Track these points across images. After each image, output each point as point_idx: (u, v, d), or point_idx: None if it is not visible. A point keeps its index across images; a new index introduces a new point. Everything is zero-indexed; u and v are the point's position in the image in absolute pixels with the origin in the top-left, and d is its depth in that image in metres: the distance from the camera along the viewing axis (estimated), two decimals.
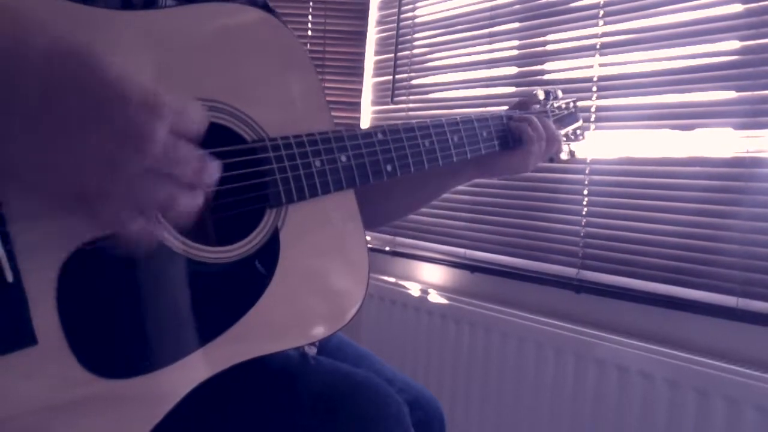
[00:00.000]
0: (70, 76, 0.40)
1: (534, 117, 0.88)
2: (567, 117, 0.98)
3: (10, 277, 0.44)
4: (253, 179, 0.60)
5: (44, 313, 0.46)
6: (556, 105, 0.97)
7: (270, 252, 0.60)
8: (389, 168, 0.71)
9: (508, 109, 0.93)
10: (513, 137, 0.87)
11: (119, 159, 0.41)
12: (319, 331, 0.63)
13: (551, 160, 0.96)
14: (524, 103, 0.95)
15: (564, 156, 0.98)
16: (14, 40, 0.40)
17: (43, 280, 0.46)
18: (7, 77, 0.40)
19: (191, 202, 0.44)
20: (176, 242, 0.54)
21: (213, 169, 0.45)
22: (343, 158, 0.66)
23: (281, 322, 0.60)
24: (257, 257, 0.59)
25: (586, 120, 1.46)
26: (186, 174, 0.43)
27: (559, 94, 0.99)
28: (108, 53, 0.42)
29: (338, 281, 0.65)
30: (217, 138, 0.59)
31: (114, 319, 0.50)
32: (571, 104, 1.00)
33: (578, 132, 1.01)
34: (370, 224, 0.76)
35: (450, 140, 0.79)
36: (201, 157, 0.44)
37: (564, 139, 0.96)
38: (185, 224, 0.46)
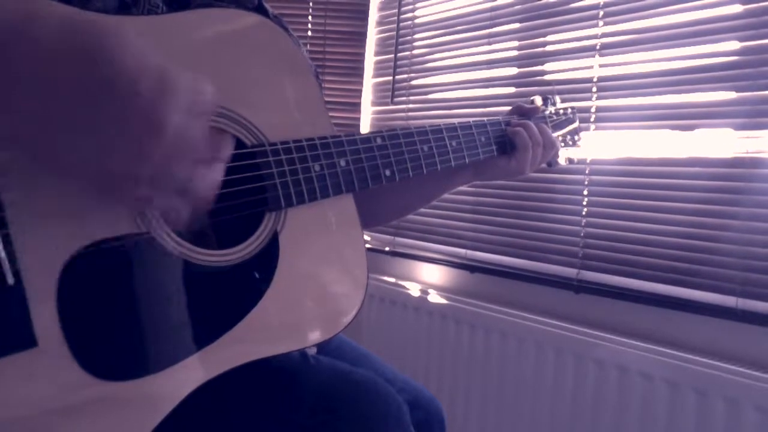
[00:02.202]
0: (82, 58, 0.41)
1: (531, 123, 0.89)
2: (565, 122, 0.99)
3: (10, 279, 0.45)
4: (253, 183, 0.60)
5: (44, 315, 0.46)
6: (554, 110, 0.98)
7: (269, 256, 0.60)
8: (388, 173, 0.71)
9: (506, 114, 0.94)
10: (511, 142, 0.87)
11: (139, 141, 0.42)
12: (318, 335, 0.63)
13: (549, 165, 0.96)
14: (522, 107, 0.96)
15: (562, 161, 0.99)
16: (25, 16, 0.40)
17: (44, 282, 0.47)
18: (19, 55, 0.40)
19: (210, 177, 0.47)
20: (176, 245, 0.54)
21: (225, 145, 0.49)
22: (342, 163, 0.66)
23: (280, 326, 0.60)
24: (256, 261, 0.59)
25: (586, 120, 1.47)
26: (201, 151, 0.46)
27: (558, 99, 0.99)
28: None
29: (337, 285, 0.66)
30: None
31: (114, 321, 0.50)
32: (570, 109, 1.00)
33: (576, 137, 1.01)
34: (367, 224, 0.76)
35: (448, 145, 0.80)
36: (214, 132, 0.47)
37: (562, 144, 0.97)
38: (207, 200, 0.49)
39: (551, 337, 1.43)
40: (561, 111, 0.99)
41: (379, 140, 0.71)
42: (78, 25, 0.41)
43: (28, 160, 0.44)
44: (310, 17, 2.08)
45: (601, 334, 1.36)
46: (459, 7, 1.82)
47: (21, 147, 0.43)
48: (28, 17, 0.40)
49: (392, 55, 1.99)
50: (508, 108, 0.98)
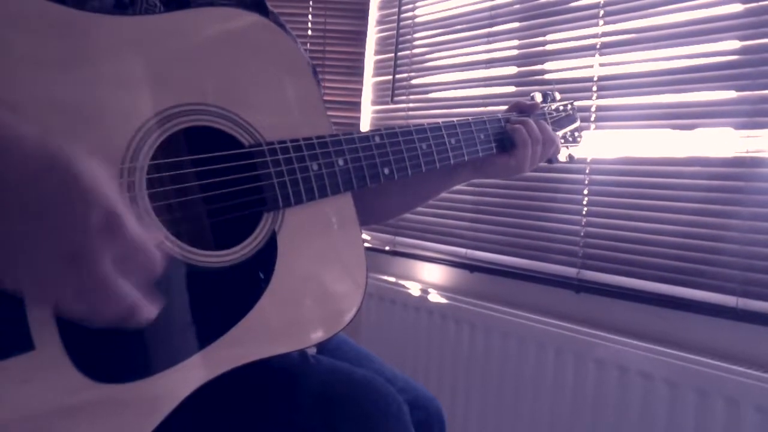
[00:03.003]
0: (47, 185, 0.41)
1: (531, 120, 0.88)
2: (565, 119, 0.98)
3: None
4: (251, 183, 0.60)
5: (41, 319, 0.46)
6: (553, 107, 0.97)
7: (267, 256, 0.60)
8: (386, 172, 0.71)
9: (505, 111, 0.93)
10: (510, 140, 0.87)
11: (66, 271, 0.42)
12: (317, 335, 0.63)
13: (549, 162, 0.96)
14: (522, 105, 0.95)
15: (562, 158, 0.98)
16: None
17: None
18: None
19: (142, 313, 0.46)
20: (174, 246, 0.54)
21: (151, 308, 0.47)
22: (341, 162, 0.66)
23: (279, 326, 0.60)
24: (254, 261, 0.59)
25: (586, 120, 1.46)
26: (109, 308, 0.45)
27: (557, 96, 0.99)
28: (104, 60, 0.41)
29: (336, 284, 0.66)
30: (214, 142, 0.59)
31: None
32: (569, 106, 1.00)
33: (576, 134, 1.00)
34: (365, 222, 0.76)
35: (447, 143, 0.80)
36: (128, 299, 0.45)
37: (562, 141, 0.97)
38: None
39: (551, 336, 1.43)
40: (561, 108, 0.98)
41: (377, 139, 0.71)
42: (51, 157, 0.41)
43: None
44: (310, 16, 2.08)
45: (602, 333, 1.36)
46: (459, 6, 1.81)
47: None
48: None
49: (392, 55, 1.98)
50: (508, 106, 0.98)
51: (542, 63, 1.61)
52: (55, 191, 0.41)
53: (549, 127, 0.91)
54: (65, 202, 0.41)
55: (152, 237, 0.46)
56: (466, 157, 0.82)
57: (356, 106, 2.07)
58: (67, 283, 0.43)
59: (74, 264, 0.42)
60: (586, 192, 1.48)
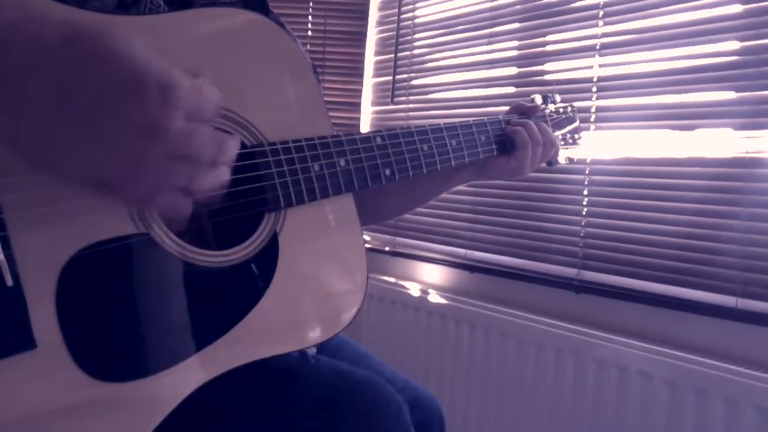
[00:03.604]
0: (85, 60, 0.40)
1: (531, 121, 0.89)
2: (565, 121, 0.98)
3: (9, 281, 0.45)
4: (252, 184, 0.60)
5: (43, 317, 0.46)
6: (554, 109, 0.98)
7: (268, 256, 0.60)
8: (388, 172, 0.71)
9: (505, 113, 0.94)
10: (511, 141, 0.87)
11: (141, 147, 0.42)
12: (317, 335, 0.63)
13: (549, 164, 0.96)
14: (522, 106, 0.96)
15: (562, 160, 0.99)
16: (26, 15, 0.40)
17: (43, 284, 0.46)
18: (19, 54, 0.39)
19: (213, 179, 0.47)
20: (175, 246, 0.54)
21: (230, 147, 0.48)
22: (342, 163, 0.66)
23: (280, 326, 0.60)
24: (256, 261, 0.59)
25: (586, 120, 1.47)
26: (205, 155, 0.45)
27: (557, 98, 0.99)
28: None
29: (336, 285, 0.66)
30: None
31: (113, 322, 0.50)
32: (569, 108, 1.00)
33: (576, 136, 1.01)
34: (366, 222, 0.76)
35: (448, 145, 0.80)
36: (217, 136, 0.46)
37: (562, 143, 0.97)
38: (209, 201, 0.49)
39: (551, 337, 1.43)
40: (561, 110, 0.99)
41: (378, 140, 0.71)
42: (80, 25, 0.41)
43: (27, 160, 0.44)
44: (310, 17, 2.08)
45: (601, 334, 1.36)
46: (459, 7, 1.81)
47: (20, 147, 0.43)
48: (29, 16, 0.40)
49: (392, 55, 1.98)
50: (508, 107, 0.98)
51: (542, 64, 1.61)
52: (101, 71, 0.40)
53: (549, 129, 0.91)
54: (117, 84, 0.41)
55: (204, 87, 0.45)
56: (466, 159, 0.83)
57: (356, 106, 2.07)
58: (157, 154, 0.42)
59: (150, 131, 0.42)
60: (586, 192, 1.48)
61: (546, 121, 0.95)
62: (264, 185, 0.60)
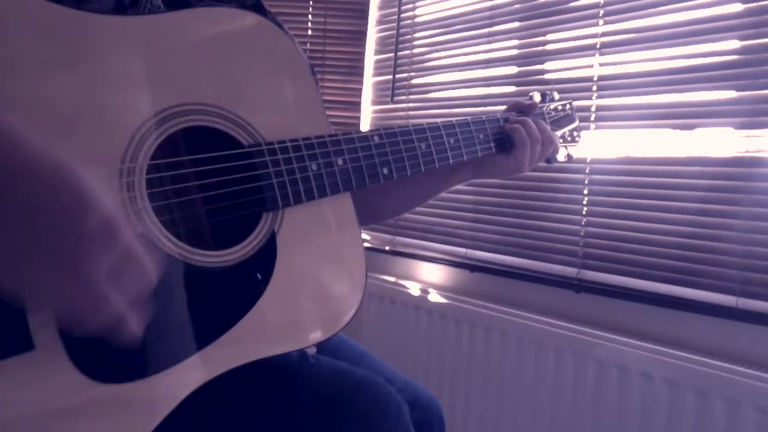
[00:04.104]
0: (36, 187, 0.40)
1: (530, 119, 0.88)
2: (564, 119, 0.98)
3: None
4: (250, 183, 0.60)
5: (41, 318, 0.46)
6: (552, 107, 0.97)
7: (267, 256, 0.60)
8: (386, 171, 0.71)
9: (504, 111, 0.94)
10: (509, 139, 0.87)
11: (59, 275, 0.41)
12: (316, 335, 0.63)
13: (548, 162, 0.96)
14: (520, 104, 0.95)
15: (561, 158, 0.98)
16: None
17: None
18: None
19: (130, 330, 0.46)
20: (173, 247, 0.54)
21: (143, 314, 0.46)
22: (340, 161, 0.66)
23: (278, 326, 0.60)
24: (254, 261, 0.59)
25: (586, 120, 1.46)
26: (114, 310, 0.44)
27: (556, 96, 0.99)
28: (103, 60, 0.41)
29: (335, 284, 0.66)
30: (213, 142, 0.59)
31: None
32: (568, 106, 1.00)
33: (575, 134, 1.01)
34: (365, 222, 0.76)
35: (446, 143, 0.80)
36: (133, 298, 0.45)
37: (561, 141, 0.97)
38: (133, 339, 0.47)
39: (551, 336, 1.43)
40: (559, 107, 0.98)
41: (376, 139, 0.71)
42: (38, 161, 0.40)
43: None
44: (310, 16, 2.08)
45: (602, 333, 1.36)
46: (459, 6, 1.81)
47: None
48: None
49: (392, 54, 1.98)
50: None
51: (542, 63, 1.61)
52: (51, 197, 0.41)
53: (548, 127, 0.91)
54: (61, 208, 0.41)
55: (148, 249, 0.45)
56: (465, 157, 0.83)
57: (356, 105, 2.07)
58: (60, 288, 0.42)
59: (67, 269, 0.41)
60: (586, 192, 1.48)
61: (544, 119, 0.95)
62: (261, 185, 0.60)
